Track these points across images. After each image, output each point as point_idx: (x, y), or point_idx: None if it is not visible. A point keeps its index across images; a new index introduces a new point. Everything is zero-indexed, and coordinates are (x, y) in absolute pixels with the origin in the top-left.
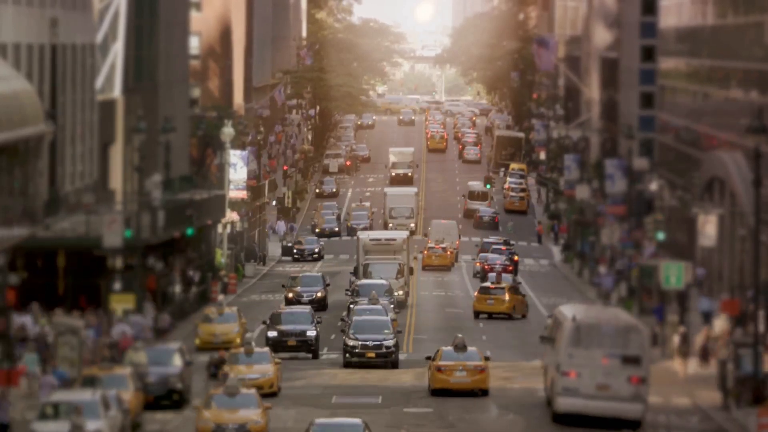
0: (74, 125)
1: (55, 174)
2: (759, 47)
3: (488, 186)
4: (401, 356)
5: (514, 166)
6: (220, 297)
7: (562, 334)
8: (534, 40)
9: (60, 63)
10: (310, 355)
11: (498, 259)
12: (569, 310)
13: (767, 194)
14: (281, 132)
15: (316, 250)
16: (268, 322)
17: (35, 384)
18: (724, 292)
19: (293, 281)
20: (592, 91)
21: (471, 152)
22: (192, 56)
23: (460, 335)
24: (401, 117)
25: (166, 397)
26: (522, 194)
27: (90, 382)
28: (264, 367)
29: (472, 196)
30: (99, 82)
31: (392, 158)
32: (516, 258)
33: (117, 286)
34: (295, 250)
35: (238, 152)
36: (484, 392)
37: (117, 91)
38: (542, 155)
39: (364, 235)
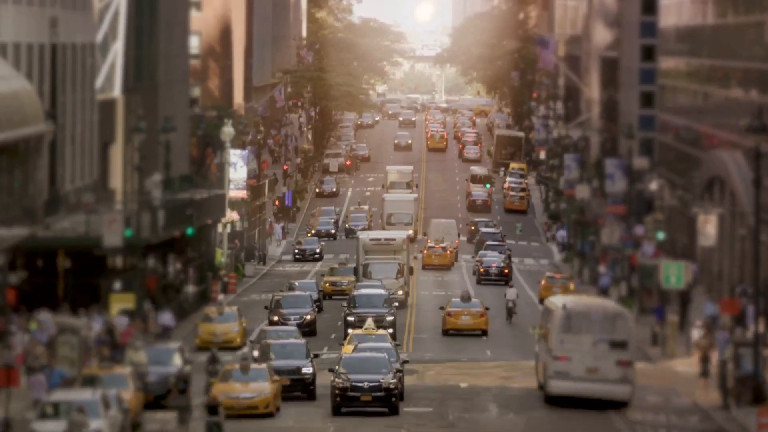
0: (74, 125)
1: (55, 174)
2: (759, 47)
3: (488, 186)
4: (402, 356)
5: (514, 165)
6: (220, 296)
7: (554, 322)
8: (535, 41)
9: (60, 63)
10: (305, 395)
11: (494, 261)
12: (560, 300)
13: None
14: (277, 135)
15: (317, 251)
16: (256, 354)
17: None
18: (724, 293)
19: (277, 303)
20: (592, 90)
21: (471, 151)
22: (192, 56)
23: (466, 289)
24: (401, 119)
25: (166, 397)
26: (522, 194)
27: (90, 381)
28: (260, 386)
29: (475, 179)
30: (99, 81)
31: (390, 177)
32: (509, 252)
33: (117, 286)
34: (296, 251)
35: (238, 152)
36: (484, 332)
37: (117, 91)
38: (542, 155)
39: (363, 235)
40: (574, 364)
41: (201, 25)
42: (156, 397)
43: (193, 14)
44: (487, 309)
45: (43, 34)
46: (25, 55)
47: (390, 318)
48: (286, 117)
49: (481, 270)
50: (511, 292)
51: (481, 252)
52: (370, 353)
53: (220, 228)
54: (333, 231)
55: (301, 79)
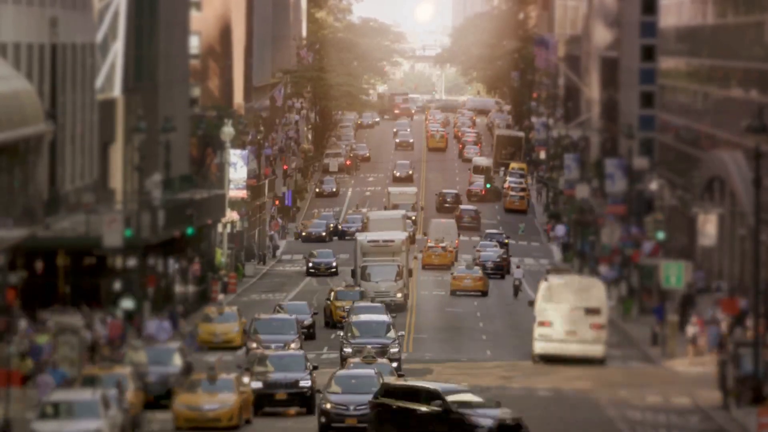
0: (74, 125)
1: (55, 174)
2: (759, 47)
3: (488, 185)
4: (402, 355)
5: (514, 165)
6: (220, 296)
7: (538, 293)
8: (534, 41)
9: (60, 63)
10: (304, 409)
11: (491, 257)
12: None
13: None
14: (274, 138)
15: (333, 264)
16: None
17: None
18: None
19: (256, 328)
20: (592, 90)
21: (471, 151)
22: (192, 56)
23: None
24: (395, 130)
25: (166, 397)
26: (522, 194)
27: (90, 381)
28: (225, 397)
29: (477, 170)
30: (99, 81)
31: (393, 200)
32: (507, 240)
33: (117, 286)
34: (309, 264)
35: (238, 152)
36: (483, 293)
37: (117, 91)
38: (542, 155)
39: (362, 237)
40: (555, 328)
41: (201, 25)
42: (156, 397)
43: (193, 14)
44: (487, 275)
45: (43, 34)
46: (25, 55)
47: (394, 350)
48: (286, 117)
49: (478, 262)
50: (518, 272)
51: (482, 242)
52: (362, 370)
53: (220, 228)
54: (324, 234)
55: (301, 79)
